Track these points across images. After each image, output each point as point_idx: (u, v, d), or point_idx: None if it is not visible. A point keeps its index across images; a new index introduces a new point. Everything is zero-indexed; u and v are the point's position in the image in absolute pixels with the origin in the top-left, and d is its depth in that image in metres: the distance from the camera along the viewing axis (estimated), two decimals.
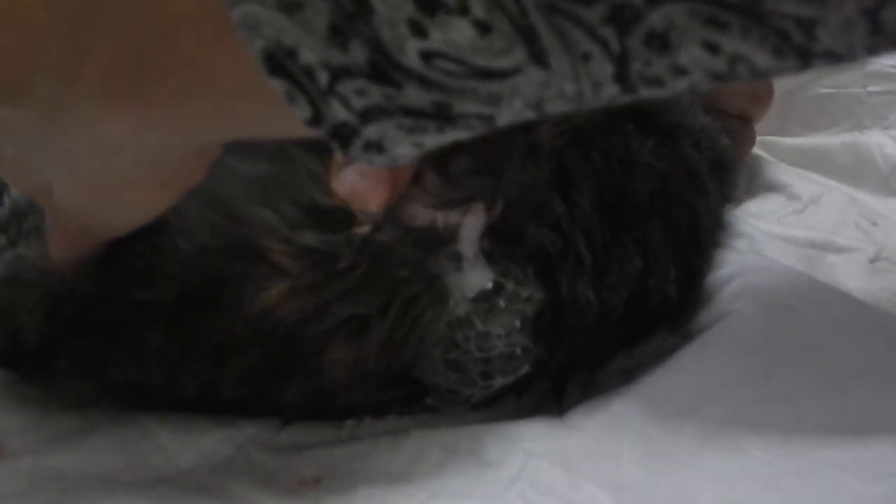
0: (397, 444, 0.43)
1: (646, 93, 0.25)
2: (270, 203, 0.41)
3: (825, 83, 0.73)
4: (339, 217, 0.41)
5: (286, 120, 0.27)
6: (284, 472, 0.43)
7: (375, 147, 0.27)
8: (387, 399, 0.45)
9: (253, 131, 0.32)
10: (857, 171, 0.70)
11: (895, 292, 0.58)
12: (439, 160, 0.43)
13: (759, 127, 0.74)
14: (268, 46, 0.25)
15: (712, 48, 0.23)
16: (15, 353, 0.45)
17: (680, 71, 0.24)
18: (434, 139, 0.27)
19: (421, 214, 0.42)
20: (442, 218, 0.43)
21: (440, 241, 0.43)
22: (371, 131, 0.27)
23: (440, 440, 0.43)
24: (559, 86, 0.25)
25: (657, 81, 0.24)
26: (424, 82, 0.25)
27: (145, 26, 0.28)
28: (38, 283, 0.43)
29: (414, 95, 0.26)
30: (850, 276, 0.60)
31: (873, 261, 0.61)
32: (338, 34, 0.25)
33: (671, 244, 0.48)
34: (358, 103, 0.26)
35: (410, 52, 0.25)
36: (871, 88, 0.72)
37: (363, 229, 0.41)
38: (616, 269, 0.46)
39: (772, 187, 0.69)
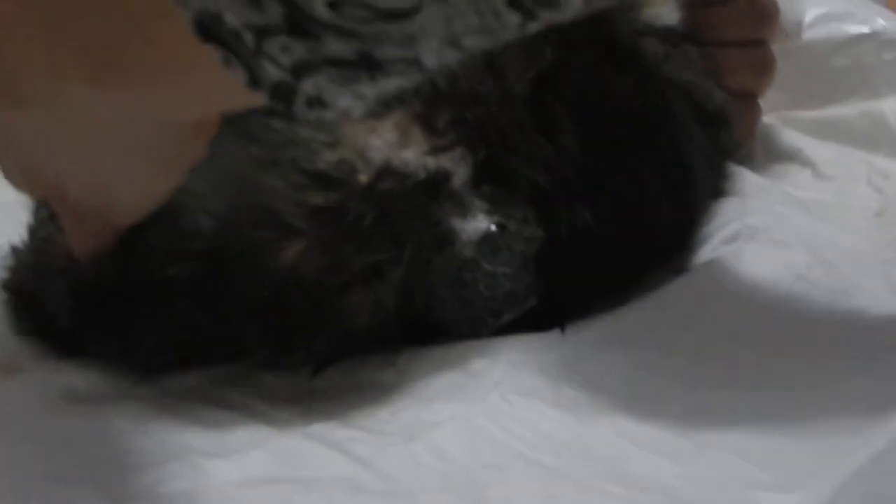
0: (388, 360, 0.45)
1: (546, 15, 0.25)
2: (276, 172, 0.44)
3: (840, 55, 0.74)
4: (340, 176, 0.44)
5: (236, 87, 0.28)
6: (283, 387, 0.45)
7: (318, 102, 0.28)
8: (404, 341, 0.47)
9: (219, 102, 0.33)
10: (872, 136, 0.70)
11: None
12: (422, 114, 0.46)
13: (777, 102, 0.75)
14: (196, 14, 0.27)
15: None
16: (50, 335, 0.47)
17: None
18: (372, 88, 0.28)
19: (413, 161, 0.45)
20: (432, 162, 0.46)
21: (436, 183, 0.45)
22: (307, 86, 0.28)
23: (429, 356, 0.45)
24: (465, 20, 0.26)
25: (551, 2, 0.25)
26: (340, 31, 0.26)
27: (111, 16, 0.30)
28: (66, 271, 0.45)
29: (334, 46, 0.27)
30: (856, 228, 0.60)
31: (880, 214, 0.62)
32: None
33: (659, 176, 0.50)
34: (285, 60, 0.27)
35: (318, 3, 0.26)
36: (885, 56, 0.72)
37: (364, 178, 0.44)
38: (609, 200, 0.48)
39: (785, 152, 0.70)
